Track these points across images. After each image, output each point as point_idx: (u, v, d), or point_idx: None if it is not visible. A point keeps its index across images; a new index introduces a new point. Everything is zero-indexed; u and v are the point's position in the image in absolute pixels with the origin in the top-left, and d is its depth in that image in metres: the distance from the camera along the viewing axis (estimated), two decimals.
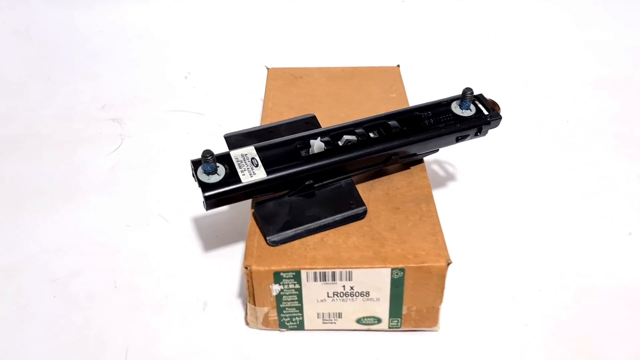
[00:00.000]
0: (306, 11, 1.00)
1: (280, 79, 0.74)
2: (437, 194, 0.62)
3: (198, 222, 0.64)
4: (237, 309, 0.54)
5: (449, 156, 0.71)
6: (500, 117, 0.57)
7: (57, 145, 0.77)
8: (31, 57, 0.97)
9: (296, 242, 0.50)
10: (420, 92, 0.75)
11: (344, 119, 0.65)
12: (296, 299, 0.49)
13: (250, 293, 0.49)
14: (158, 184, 0.70)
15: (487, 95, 0.58)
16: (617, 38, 0.95)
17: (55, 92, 0.89)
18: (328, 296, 0.49)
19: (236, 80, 0.91)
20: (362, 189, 0.55)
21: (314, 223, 0.50)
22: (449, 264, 0.47)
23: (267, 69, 0.76)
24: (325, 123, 0.61)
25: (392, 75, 0.74)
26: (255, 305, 0.50)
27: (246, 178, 0.49)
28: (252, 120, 0.81)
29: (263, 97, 0.71)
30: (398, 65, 0.77)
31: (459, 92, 0.56)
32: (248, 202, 0.53)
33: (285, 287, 0.48)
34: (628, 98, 0.87)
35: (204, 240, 0.62)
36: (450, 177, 0.70)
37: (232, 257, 0.60)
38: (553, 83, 0.90)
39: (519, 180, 0.71)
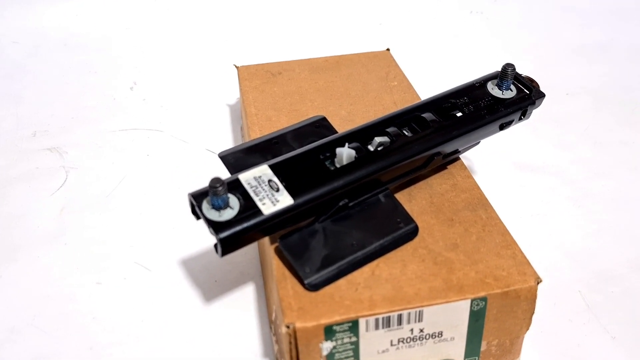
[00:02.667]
0: (262, 3, 0.88)
1: (255, 78, 0.62)
2: None
3: (188, 266, 0.51)
4: None
5: None
6: (543, 95, 0.48)
7: None
8: None
9: (342, 282, 0.39)
10: (417, 76, 0.65)
11: (346, 117, 0.55)
12: (351, 354, 0.38)
13: (292, 357, 0.37)
14: (126, 223, 0.55)
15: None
16: (596, 2, 0.90)
17: None
18: (392, 345, 0.39)
19: (193, 86, 0.77)
20: (401, 200, 0.44)
21: (359, 253, 0.40)
22: (538, 283, 0.38)
23: (237, 67, 0.64)
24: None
25: (384, 61, 0.64)
26: None
27: (268, 208, 0.38)
28: (223, 130, 0.68)
29: (239, 100, 0.59)
30: (388, 49, 0.67)
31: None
32: None
33: (339, 342, 0.37)
34: (616, 61, 0.82)
35: (202, 288, 0.49)
36: None
37: (242, 304, 0.48)
38: (539, 53, 0.84)
39: (535, 160, 0.63)
